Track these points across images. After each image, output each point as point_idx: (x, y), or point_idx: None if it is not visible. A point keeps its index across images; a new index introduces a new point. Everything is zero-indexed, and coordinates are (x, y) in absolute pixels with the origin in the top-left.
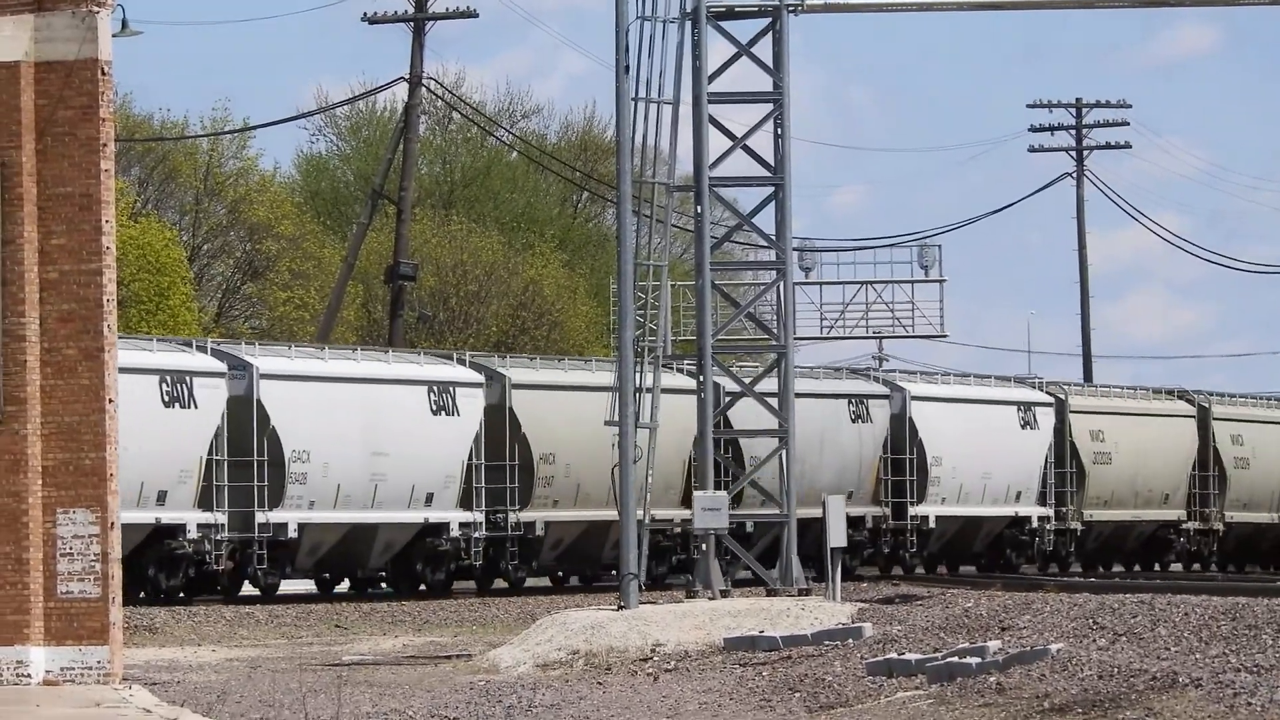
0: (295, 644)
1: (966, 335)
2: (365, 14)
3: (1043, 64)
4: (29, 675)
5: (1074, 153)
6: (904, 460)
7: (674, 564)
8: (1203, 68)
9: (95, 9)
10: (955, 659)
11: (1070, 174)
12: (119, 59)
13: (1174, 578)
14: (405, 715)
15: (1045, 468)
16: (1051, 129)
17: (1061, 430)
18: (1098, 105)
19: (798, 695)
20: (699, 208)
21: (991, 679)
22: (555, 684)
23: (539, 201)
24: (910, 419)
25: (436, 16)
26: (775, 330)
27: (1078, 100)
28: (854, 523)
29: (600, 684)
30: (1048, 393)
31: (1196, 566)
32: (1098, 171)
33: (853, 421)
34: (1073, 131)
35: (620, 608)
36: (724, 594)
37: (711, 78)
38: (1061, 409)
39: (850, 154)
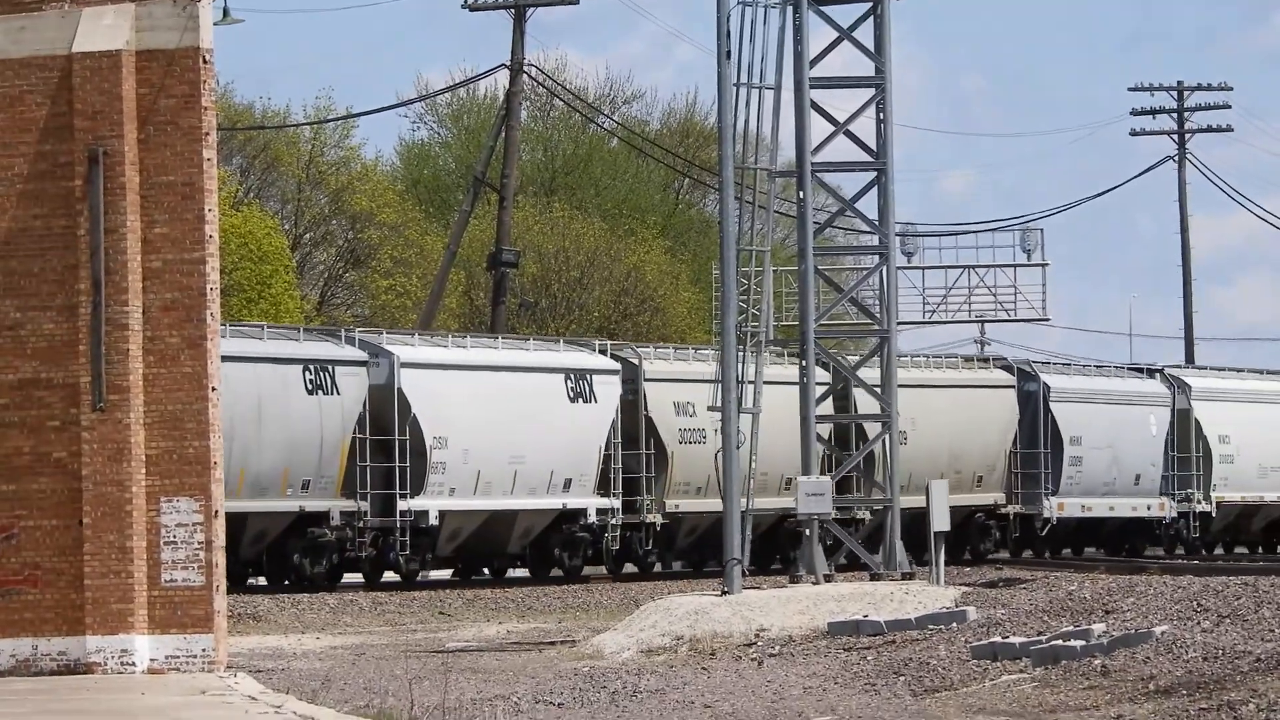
0: (399, 631)
1: (1070, 319)
2: (466, 1)
3: (1145, 48)
4: (134, 664)
5: (1175, 136)
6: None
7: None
8: None
9: None
10: (1059, 642)
11: (1172, 157)
12: (220, 47)
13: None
14: (510, 701)
15: (607, 449)
16: (1154, 112)
17: (635, 403)
18: (1199, 89)
19: (902, 679)
20: (801, 193)
21: (1096, 661)
22: (659, 669)
23: (641, 188)
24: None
25: (537, 3)
26: (878, 315)
27: (1179, 84)
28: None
29: (704, 669)
30: (613, 357)
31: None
32: (1200, 155)
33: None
34: (1174, 115)
35: (724, 593)
36: (827, 578)
37: (813, 63)
38: (634, 375)
39: (955, 138)
